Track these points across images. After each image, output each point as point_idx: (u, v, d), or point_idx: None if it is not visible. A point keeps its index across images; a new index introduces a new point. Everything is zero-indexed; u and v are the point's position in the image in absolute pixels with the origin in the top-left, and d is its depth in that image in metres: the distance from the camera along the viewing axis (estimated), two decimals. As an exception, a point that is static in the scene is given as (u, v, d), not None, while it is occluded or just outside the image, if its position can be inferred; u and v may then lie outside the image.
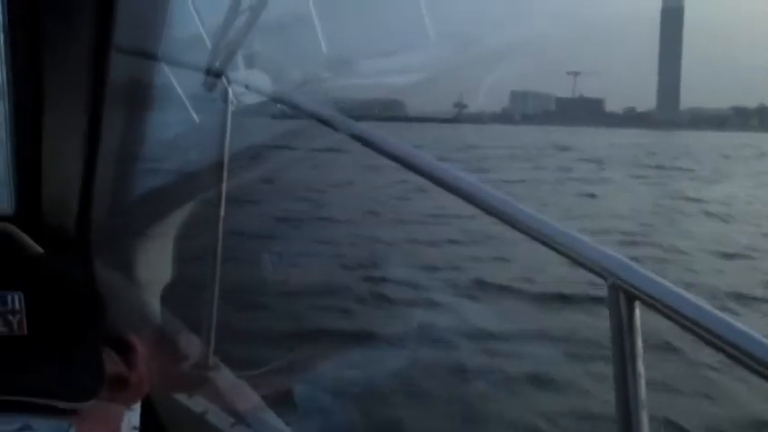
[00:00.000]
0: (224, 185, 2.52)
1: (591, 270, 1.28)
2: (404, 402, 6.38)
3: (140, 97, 2.52)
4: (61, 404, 0.74)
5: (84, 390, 0.77)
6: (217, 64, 2.50)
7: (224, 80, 2.51)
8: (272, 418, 2.34)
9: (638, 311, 1.20)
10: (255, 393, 2.42)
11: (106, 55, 1.99)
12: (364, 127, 1.92)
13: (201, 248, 2.56)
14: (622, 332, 1.19)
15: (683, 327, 1.14)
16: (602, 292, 1.23)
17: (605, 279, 1.23)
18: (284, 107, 2.67)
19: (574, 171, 27.46)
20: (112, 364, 0.86)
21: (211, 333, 2.44)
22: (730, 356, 1.09)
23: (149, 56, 2.47)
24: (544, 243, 1.39)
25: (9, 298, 0.77)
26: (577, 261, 1.32)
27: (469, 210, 1.59)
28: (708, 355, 6.86)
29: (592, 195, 21.39)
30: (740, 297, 10.44)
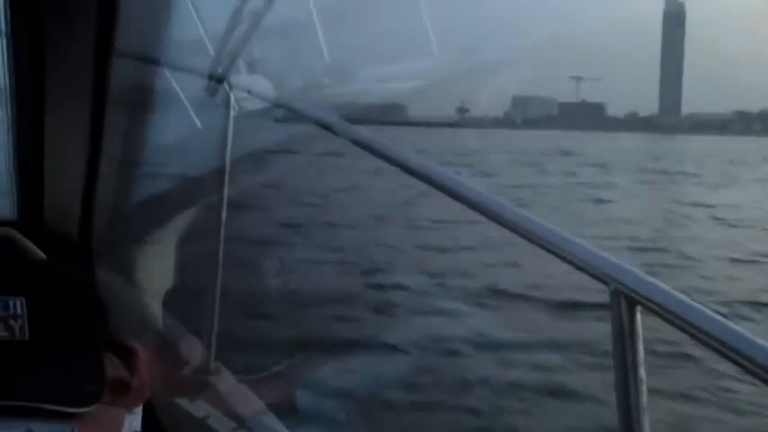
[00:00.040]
0: (225, 190, 2.52)
1: (593, 276, 1.28)
2: (409, 410, 6.35)
3: (142, 103, 2.53)
4: (62, 408, 0.74)
5: (85, 394, 0.77)
6: (219, 69, 2.51)
7: (226, 85, 2.51)
8: (273, 422, 2.34)
9: (639, 316, 1.20)
10: (257, 398, 2.41)
11: (108, 62, 2.00)
12: (365, 132, 1.92)
13: (203, 254, 2.56)
14: (624, 337, 1.19)
15: (685, 332, 1.14)
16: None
17: (607, 284, 1.23)
18: (287, 111, 2.67)
19: (579, 176, 27.26)
20: (114, 368, 0.86)
21: (213, 338, 2.44)
22: (732, 361, 1.09)
23: (152, 61, 2.47)
24: (545, 249, 1.38)
25: (11, 303, 0.77)
26: (579, 267, 1.32)
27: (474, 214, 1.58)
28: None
29: (600, 201, 21.21)
30: (754, 304, 10.29)
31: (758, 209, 20.55)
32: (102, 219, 2.37)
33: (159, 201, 2.90)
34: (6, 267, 0.85)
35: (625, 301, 1.19)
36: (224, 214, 2.51)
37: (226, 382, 2.43)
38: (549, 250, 1.37)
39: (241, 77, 2.66)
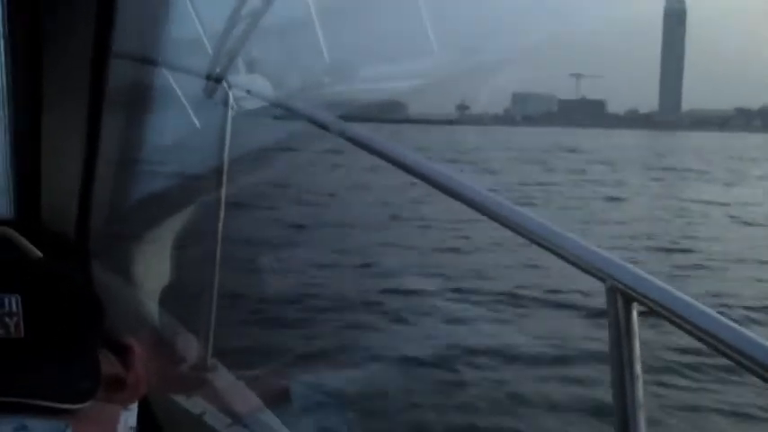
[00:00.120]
0: (223, 190, 2.53)
1: (589, 273, 1.28)
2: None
3: (141, 102, 2.53)
4: (58, 405, 0.75)
5: (81, 391, 0.78)
6: (217, 69, 2.51)
7: (225, 85, 2.51)
8: (269, 418, 2.34)
9: (635, 313, 1.20)
10: (253, 394, 2.42)
11: (106, 61, 2.00)
12: (362, 131, 1.92)
13: (200, 252, 2.56)
14: (620, 334, 1.19)
15: (681, 329, 1.14)
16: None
17: (604, 281, 1.23)
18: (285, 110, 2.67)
19: (588, 173, 26.89)
20: (110, 365, 0.86)
21: (210, 335, 2.45)
22: (728, 358, 1.08)
23: (150, 61, 2.48)
24: (542, 245, 1.38)
25: (6, 300, 0.78)
26: (575, 263, 1.31)
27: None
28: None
29: (612, 199, 20.85)
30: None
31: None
32: (99, 218, 2.37)
33: (157, 200, 2.91)
34: (3, 266, 0.85)
35: (621, 298, 1.19)
36: (222, 213, 2.51)
37: (223, 378, 2.43)
38: (545, 247, 1.37)
39: (240, 77, 2.66)
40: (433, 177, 1.66)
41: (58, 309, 0.81)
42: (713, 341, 1.09)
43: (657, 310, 1.16)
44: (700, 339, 1.12)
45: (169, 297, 2.68)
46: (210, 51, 2.61)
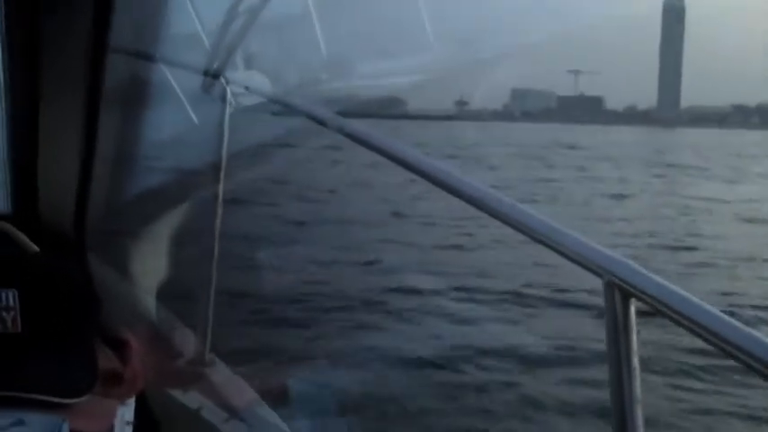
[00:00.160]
0: (221, 185, 2.52)
1: (586, 268, 1.28)
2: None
3: (138, 98, 2.53)
4: (55, 399, 0.74)
5: (77, 385, 0.78)
6: (215, 64, 2.51)
7: (222, 80, 2.51)
8: (267, 413, 2.34)
9: (633, 309, 1.20)
10: (251, 389, 2.42)
11: (104, 57, 2.00)
12: (361, 127, 1.92)
13: (198, 247, 2.56)
14: (617, 329, 1.19)
15: (679, 324, 1.14)
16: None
17: (601, 277, 1.23)
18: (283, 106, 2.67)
19: (589, 170, 26.76)
20: (107, 359, 0.86)
21: (208, 330, 2.45)
22: (726, 353, 1.09)
23: (148, 57, 2.48)
24: (539, 241, 1.38)
25: (3, 295, 0.77)
26: (572, 259, 1.31)
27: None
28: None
29: (615, 196, 20.69)
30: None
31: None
32: (96, 213, 2.37)
33: (154, 195, 2.91)
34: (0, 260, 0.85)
35: (619, 293, 1.19)
36: (219, 209, 2.51)
37: (220, 373, 2.43)
38: (542, 242, 1.37)
39: (238, 73, 2.66)
40: (432, 173, 1.66)
41: (54, 303, 0.81)
42: (711, 336, 1.09)
43: (656, 306, 1.16)
44: (697, 335, 1.12)
45: (166, 292, 2.68)
46: (208, 47, 2.61)
